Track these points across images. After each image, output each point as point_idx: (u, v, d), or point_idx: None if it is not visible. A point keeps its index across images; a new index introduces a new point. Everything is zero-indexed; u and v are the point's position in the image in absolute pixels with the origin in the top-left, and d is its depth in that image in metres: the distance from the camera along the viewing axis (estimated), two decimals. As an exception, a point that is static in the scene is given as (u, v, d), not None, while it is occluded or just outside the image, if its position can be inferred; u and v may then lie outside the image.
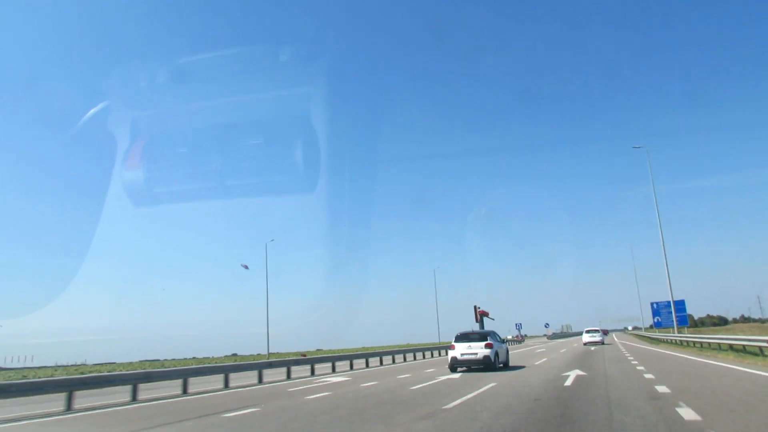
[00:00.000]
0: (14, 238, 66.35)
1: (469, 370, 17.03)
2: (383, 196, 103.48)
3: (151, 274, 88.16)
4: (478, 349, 16.54)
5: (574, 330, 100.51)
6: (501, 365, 17.43)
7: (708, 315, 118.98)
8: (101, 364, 51.32)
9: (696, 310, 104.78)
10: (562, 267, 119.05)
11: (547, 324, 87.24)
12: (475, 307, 75.65)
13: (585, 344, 38.08)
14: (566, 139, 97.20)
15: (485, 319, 77.86)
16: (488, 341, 16.90)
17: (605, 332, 53.95)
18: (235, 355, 63.47)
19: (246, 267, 35.92)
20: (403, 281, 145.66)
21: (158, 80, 25.15)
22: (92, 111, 28.27)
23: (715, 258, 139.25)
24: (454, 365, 16.96)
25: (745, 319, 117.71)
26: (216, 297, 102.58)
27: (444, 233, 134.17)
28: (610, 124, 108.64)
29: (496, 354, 16.94)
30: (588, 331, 40.27)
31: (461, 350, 16.73)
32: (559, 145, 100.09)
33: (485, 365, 16.54)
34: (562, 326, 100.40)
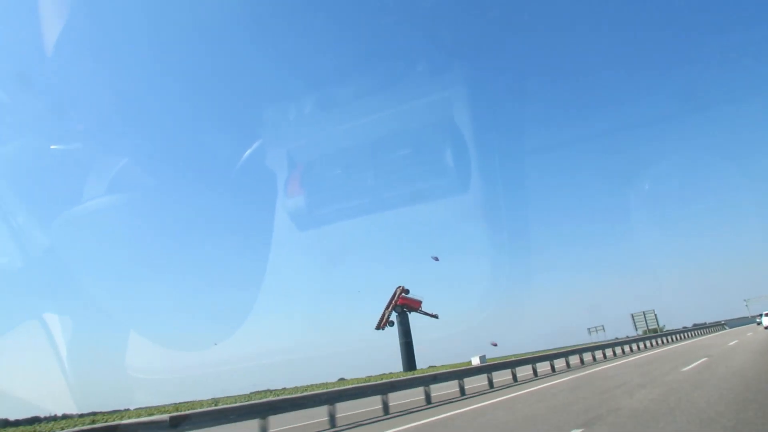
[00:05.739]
0: (205, 282, 72.46)
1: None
2: (537, 186, 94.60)
3: (319, 295, 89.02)
4: None
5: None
6: None
7: None
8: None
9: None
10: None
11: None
12: (397, 289, 52.05)
13: (766, 328, 36.24)
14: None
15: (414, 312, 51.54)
16: None
17: None
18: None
19: (436, 259, 35.55)
20: (568, 275, 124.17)
21: (305, 111, 26.33)
22: (248, 152, 30.14)
23: None
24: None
25: None
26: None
27: (607, 215, 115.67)
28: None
29: None
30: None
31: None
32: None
33: None
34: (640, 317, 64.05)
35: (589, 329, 62.72)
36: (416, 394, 14.37)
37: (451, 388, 15.07)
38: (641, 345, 31.21)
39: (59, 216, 24.95)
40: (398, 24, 71.02)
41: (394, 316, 50.59)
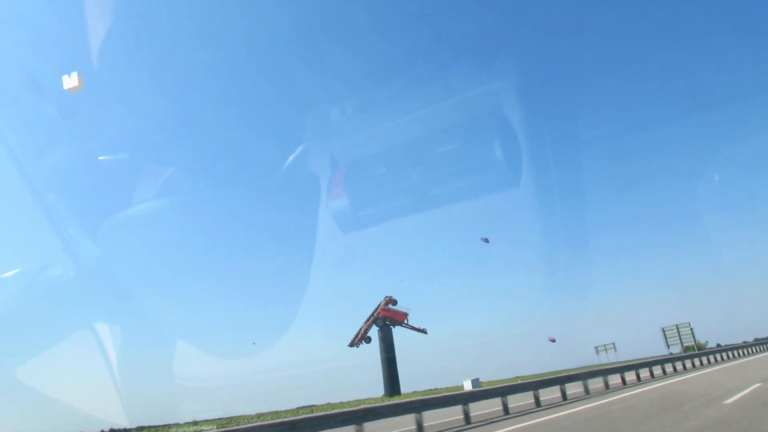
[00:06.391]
0: (249, 286, 73.04)
1: None
2: (594, 178, 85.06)
3: (366, 300, 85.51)
4: None
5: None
6: None
7: None
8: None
9: None
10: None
11: None
12: (383, 300, 45.97)
13: None
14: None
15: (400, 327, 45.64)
16: None
17: None
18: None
19: (486, 240, 34.24)
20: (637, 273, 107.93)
21: (348, 111, 26.58)
22: (291, 157, 30.50)
23: None
24: None
25: None
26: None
27: (674, 210, 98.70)
28: None
29: None
30: None
31: None
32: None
33: None
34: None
35: (596, 348, 56.36)
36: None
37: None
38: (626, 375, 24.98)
39: (108, 226, 26.41)
40: (441, 17, 70.30)
41: (374, 331, 45.61)
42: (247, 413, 30.96)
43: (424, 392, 39.57)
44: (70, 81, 11.51)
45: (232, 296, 68.22)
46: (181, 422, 26.86)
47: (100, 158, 34.61)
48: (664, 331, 53.36)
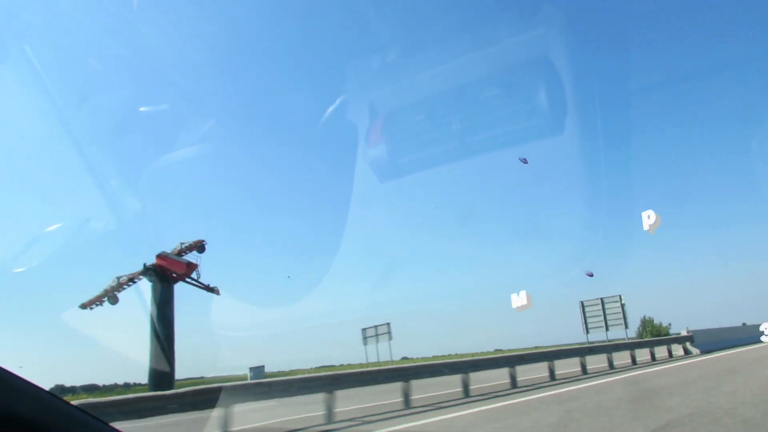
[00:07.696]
0: (285, 235, 75.32)
1: None
2: (642, 130, 78.09)
3: (400, 250, 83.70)
4: None
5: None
6: None
7: None
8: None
9: None
10: None
11: None
12: (181, 248, 30.53)
13: None
14: None
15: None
16: None
17: None
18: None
19: (525, 161, 29.79)
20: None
21: (389, 59, 28.44)
22: (331, 108, 31.71)
23: None
24: None
25: None
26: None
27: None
28: None
29: None
30: None
31: None
32: None
33: None
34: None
35: (364, 331, 37.63)
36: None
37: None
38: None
39: (149, 179, 28.04)
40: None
41: (144, 287, 30.10)
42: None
43: (206, 380, 30.57)
44: (519, 300, 11.19)
45: (269, 246, 71.36)
46: (220, 373, 28.93)
47: (141, 109, 34.55)
48: (583, 306, 35.49)
